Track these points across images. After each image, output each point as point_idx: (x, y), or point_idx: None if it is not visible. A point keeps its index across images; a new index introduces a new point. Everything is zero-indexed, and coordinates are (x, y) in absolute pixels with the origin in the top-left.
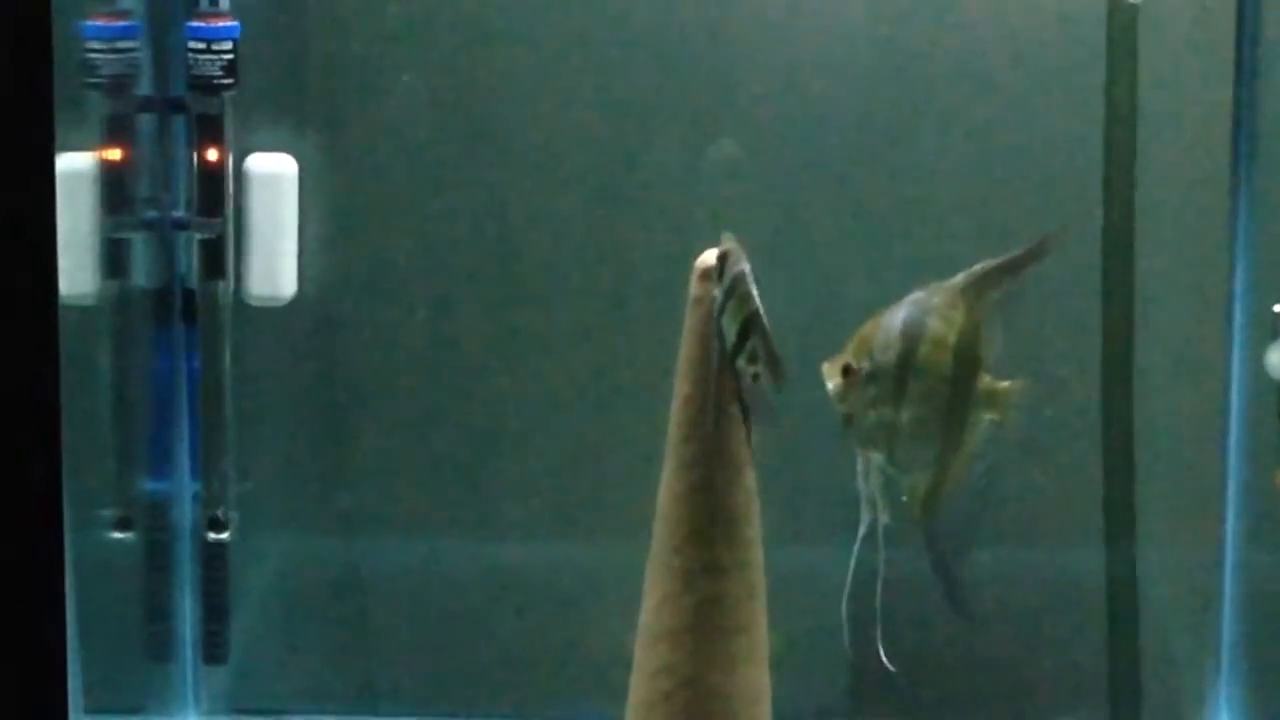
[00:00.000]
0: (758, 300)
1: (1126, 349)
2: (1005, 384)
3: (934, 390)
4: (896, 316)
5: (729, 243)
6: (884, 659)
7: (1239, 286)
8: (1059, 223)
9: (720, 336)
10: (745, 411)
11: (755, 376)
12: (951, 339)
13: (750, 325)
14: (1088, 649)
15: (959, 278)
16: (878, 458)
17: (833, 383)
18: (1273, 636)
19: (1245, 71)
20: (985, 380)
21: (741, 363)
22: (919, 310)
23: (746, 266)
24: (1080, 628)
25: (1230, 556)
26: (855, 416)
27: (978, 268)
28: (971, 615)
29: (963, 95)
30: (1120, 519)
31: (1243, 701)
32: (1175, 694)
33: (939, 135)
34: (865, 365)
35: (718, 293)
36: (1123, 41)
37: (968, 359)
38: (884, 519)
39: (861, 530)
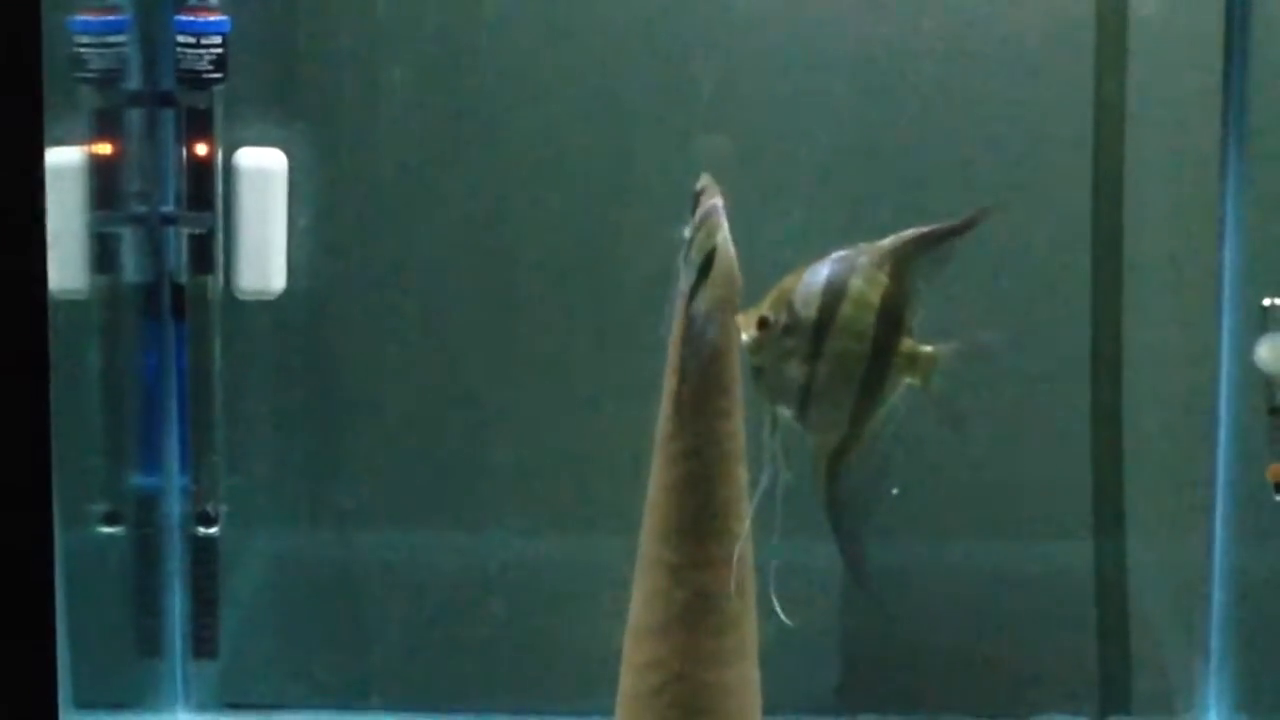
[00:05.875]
0: (721, 235)
1: (1115, 342)
2: (928, 349)
3: (852, 350)
4: (820, 272)
5: (705, 181)
6: (780, 614)
7: (1228, 279)
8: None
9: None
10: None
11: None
12: (875, 300)
13: (709, 261)
14: (1077, 644)
15: (887, 240)
16: (785, 414)
17: (748, 334)
18: (1262, 632)
19: (1235, 61)
20: (906, 344)
21: (696, 303)
22: (843, 268)
23: (718, 201)
24: (1069, 623)
25: (1220, 551)
26: (767, 370)
27: (907, 233)
28: (870, 586)
29: (951, 89)
30: (1109, 514)
31: (1232, 697)
32: (1164, 689)
33: (926, 127)
34: (783, 318)
35: (687, 230)
36: (1112, 30)
37: (890, 321)
38: (785, 476)
39: (762, 485)
